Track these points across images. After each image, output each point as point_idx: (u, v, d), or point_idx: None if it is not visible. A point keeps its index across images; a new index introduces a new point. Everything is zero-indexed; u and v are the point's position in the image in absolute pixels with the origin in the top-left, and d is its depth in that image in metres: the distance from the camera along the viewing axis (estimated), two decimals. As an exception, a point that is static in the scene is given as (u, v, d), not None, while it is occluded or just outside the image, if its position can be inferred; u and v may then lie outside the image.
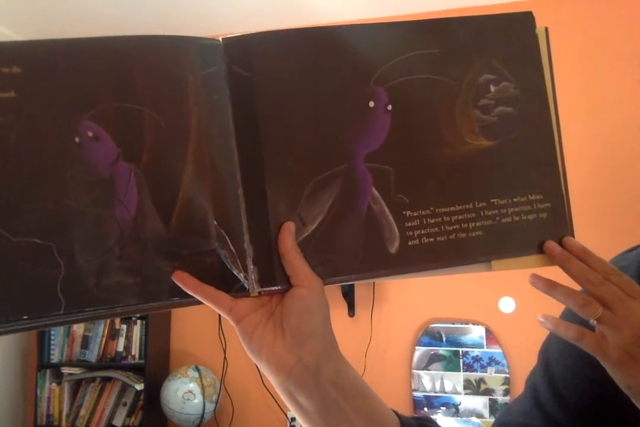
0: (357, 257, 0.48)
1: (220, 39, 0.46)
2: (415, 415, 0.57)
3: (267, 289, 0.46)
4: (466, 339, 2.42)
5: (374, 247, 0.48)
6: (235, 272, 0.46)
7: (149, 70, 0.44)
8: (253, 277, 0.46)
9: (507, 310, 2.41)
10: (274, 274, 0.46)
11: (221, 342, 2.65)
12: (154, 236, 0.44)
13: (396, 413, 0.53)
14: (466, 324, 2.43)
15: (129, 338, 2.59)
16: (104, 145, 0.43)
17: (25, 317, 0.42)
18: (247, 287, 0.46)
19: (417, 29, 0.49)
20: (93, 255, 0.43)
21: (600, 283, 0.46)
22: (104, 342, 2.60)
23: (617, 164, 2.37)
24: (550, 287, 0.48)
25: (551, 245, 0.49)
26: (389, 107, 0.48)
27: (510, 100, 0.50)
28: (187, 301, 0.46)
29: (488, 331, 2.41)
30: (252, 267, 0.46)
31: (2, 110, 0.41)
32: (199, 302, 0.46)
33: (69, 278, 0.42)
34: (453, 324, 2.44)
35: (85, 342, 2.62)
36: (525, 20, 0.51)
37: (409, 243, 0.48)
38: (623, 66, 2.40)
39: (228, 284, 0.46)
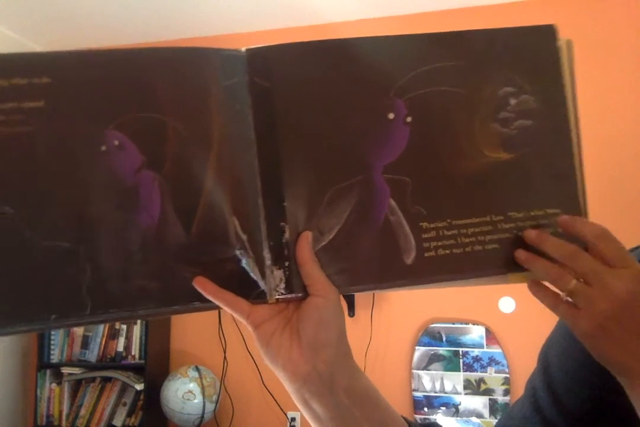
0: (374, 267, 0.48)
1: (244, 50, 0.47)
2: (426, 421, 0.58)
3: (285, 296, 0.47)
4: (466, 339, 2.43)
5: (390, 258, 0.48)
6: (253, 279, 0.46)
7: (173, 81, 0.45)
8: (271, 285, 0.47)
9: (507, 310, 2.42)
10: (291, 282, 0.47)
11: (221, 342, 2.66)
12: (175, 242, 0.45)
13: (406, 420, 0.53)
14: (466, 324, 2.44)
15: (129, 338, 2.59)
16: (128, 153, 0.44)
17: (53, 316, 0.43)
18: (265, 294, 0.47)
19: (437, 41, 0.49)
20: (117, 259, 0.44)
21: (574, 256, 0.45)
22: (104, 342, 2.60)
23: (617, 164, 2.38)
24: (531, 259, 0.47)
25: (526, 234, 0.48)
26: (408, 119, 0.48)
27: (530, 113, 0.49)
28: (207, 305, 0.46)
29: (488, 331, 2.42)
30: (270, 274, 0.46)
31: (32, 119, 0.43)
32: (218, 307, 0.46)
33: (95, 281, 0.44)
34: (453, 324, 2.45)
35: (85, 342, 2.61)
36: (547, 32, 0.50)
37: (425, 254, 0.48)
38: (624, 65, 2.40)
39: (246, 291, 0.46)
